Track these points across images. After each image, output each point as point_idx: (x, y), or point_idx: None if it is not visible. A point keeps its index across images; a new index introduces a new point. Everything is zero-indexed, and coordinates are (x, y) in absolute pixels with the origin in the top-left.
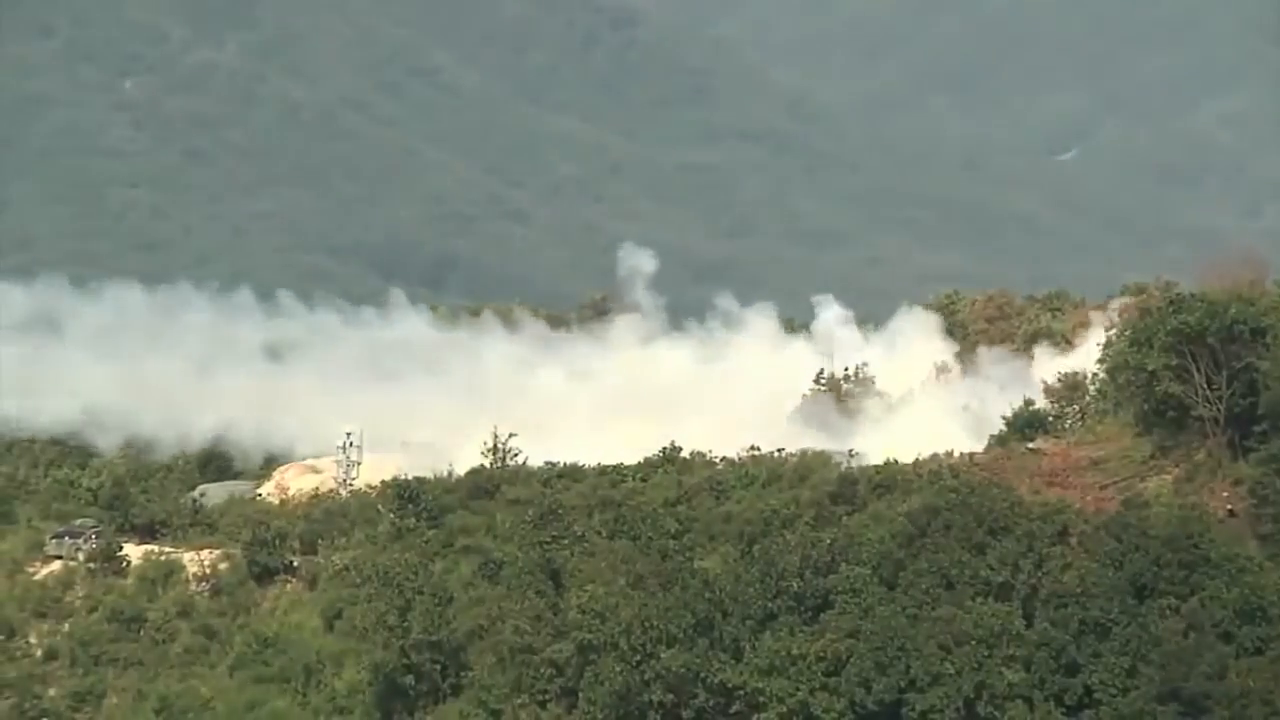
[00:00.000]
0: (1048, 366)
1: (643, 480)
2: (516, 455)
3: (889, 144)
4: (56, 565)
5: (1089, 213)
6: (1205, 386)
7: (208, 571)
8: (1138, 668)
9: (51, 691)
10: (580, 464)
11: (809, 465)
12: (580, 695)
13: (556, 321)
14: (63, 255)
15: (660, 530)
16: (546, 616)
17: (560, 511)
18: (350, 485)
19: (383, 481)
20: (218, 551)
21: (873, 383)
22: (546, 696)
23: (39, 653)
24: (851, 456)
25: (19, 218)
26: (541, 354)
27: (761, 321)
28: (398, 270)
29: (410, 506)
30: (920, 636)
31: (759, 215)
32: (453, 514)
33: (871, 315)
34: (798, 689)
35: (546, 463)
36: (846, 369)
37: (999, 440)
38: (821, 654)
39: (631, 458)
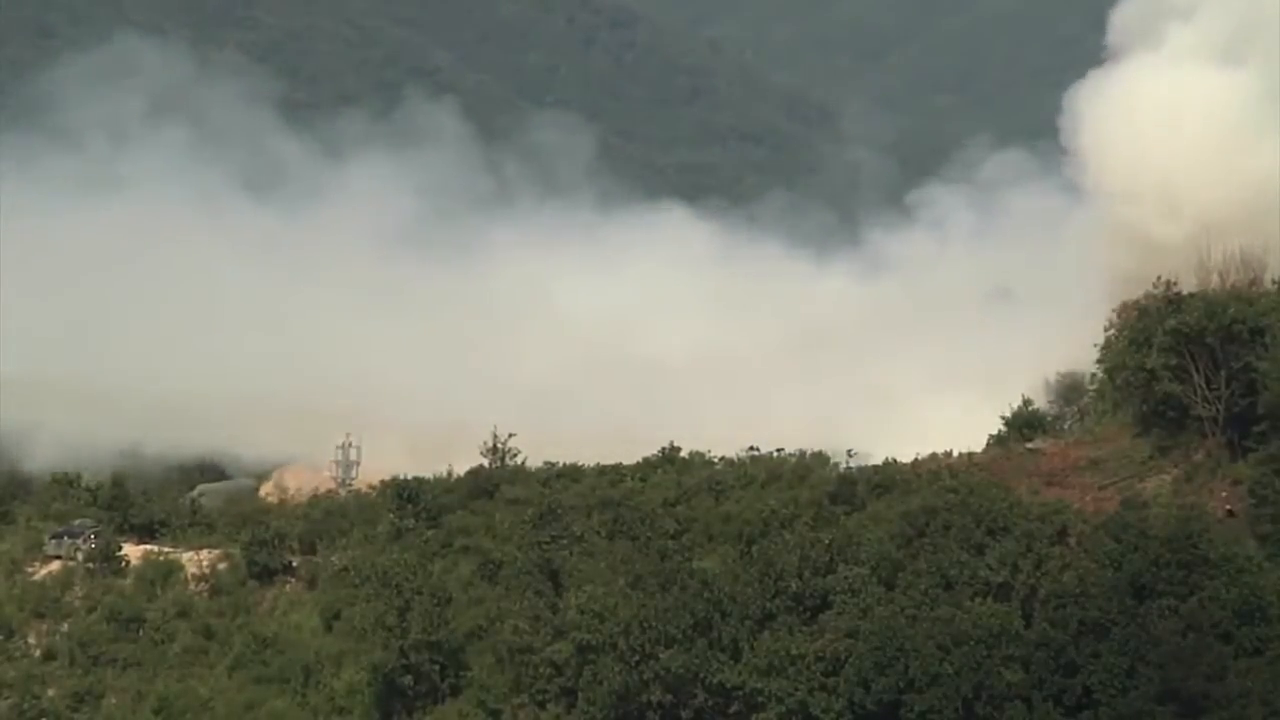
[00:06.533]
0: None
1: (641, 480)
2: (516, 455)
3: (889, 144)
4: (55, 565)
5: None
6: (1204, 386)
7: (207, 571)
8: (1137, 668)
9: (50, 691)
10: (579, 464)
11: (808, 465)
12: (579, 695)
13: None
14: None
15: (659, 530)
16: (545, 617)
17: (559, 511)
18: (349, 485)
19: (382, 481)
20: (217, 551)
21: None
22: (545, 697)
23: (38, 653)
24: (851, 456)
25: None
26: None
27: None
28: None
29: (409, 506)
30: (919, 637)
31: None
32: (452, 514)
33: None
34: (796, 689)
35: (546, 463)
36: None
37: (998, 440)
38: (820, 654)
39: None
